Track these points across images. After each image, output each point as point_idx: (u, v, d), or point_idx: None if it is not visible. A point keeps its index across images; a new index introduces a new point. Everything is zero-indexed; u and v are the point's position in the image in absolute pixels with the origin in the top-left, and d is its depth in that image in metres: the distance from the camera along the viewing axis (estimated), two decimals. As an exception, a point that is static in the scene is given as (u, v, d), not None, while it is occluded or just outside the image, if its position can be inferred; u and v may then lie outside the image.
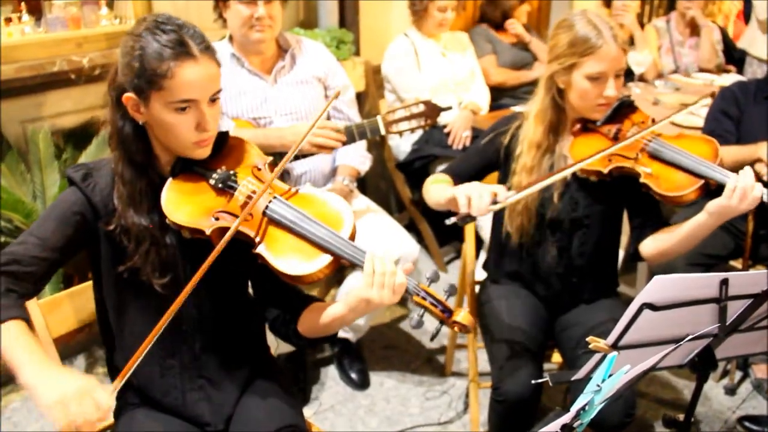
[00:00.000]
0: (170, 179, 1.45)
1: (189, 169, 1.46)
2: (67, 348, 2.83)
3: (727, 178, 1.70)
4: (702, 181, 1.76)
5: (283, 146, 2.33)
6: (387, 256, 1.38)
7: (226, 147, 1.52)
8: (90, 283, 1.64)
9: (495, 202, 1.71)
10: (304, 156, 2.38)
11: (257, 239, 1.40)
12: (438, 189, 1.94)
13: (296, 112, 2.51)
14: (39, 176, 2.72)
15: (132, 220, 1.41)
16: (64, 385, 1.18)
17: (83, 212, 1.42)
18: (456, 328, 1.40)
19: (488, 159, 2.03)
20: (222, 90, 1.42)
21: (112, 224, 1.42)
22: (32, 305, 1.56)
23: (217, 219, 1.41)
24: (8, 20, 2.78)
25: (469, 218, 1.73)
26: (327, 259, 1.38)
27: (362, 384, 2.76)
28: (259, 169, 1.49)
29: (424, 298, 1.39)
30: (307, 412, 2.53)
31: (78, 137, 2.87)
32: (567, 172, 1.81)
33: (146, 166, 1.44)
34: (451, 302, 1.41)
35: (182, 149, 1.43)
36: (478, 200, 1.70)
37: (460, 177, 2.01)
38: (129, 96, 1.37)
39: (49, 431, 2.51)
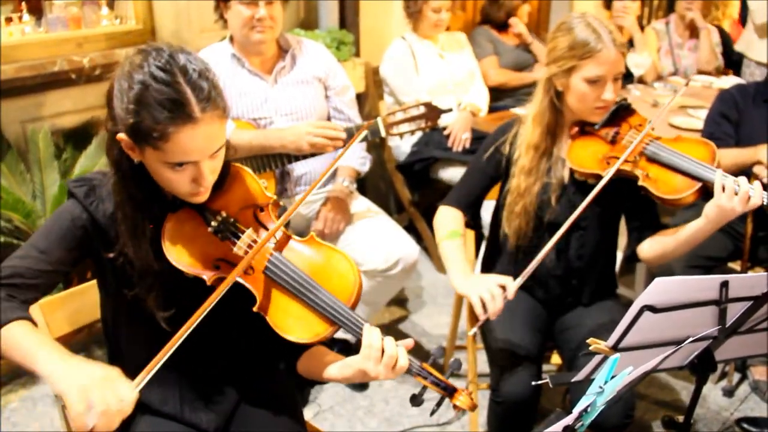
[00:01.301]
0: (170, 214, 1.38)
1: (190, 204, 1.39)
2: (67, 348, 2.82)
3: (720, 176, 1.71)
4: (700, 184, 1.76)
5: (282, 147, 2.34)
6: (390, 340, 1.33)
7: (227, 180, 1.43)
8: (89, 284, 1.64)
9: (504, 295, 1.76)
10: (305, 157, 2.38)
11: (257, 298, 1.35)
12: (449, 253, 1.95)
13: (296, 113, 2.51)
14: (39, 176, 2.72)
15: (135, 254, 1.36)
16: (87, 371, 1.16)
17: (86, 227, 1.38)
18: (455, 410, 1.38)
19: (491, 174, 2.03)
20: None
21: (114, 252, 1.37)
22: (33, 305, 1.55)
23: (218, 268, 1.35)
24: (8, 20, 2.79)
25: (488, 320, 1.76)
26: (329, 330, 1.34)
27: (361, 385, 2.76)
28: (262, 211, 1.42)
29: (425, 378, 1.35)
30: (307, 413, 2.53)
31: (78, 137, 2.88)
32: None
33: (147, 202, 1.37)
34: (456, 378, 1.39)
35: (177, 195, 1.36)
36: (492, 303, 1.73)
37: (467, 205, 2.04)
38: (123, 137, 1.27)
39: (48, 431, 2.50)
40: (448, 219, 2.03)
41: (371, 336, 1.32)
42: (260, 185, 1.44)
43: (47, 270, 1.35)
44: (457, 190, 2.08)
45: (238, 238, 1.37)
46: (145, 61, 1.24)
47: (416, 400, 1.35)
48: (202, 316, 1.27)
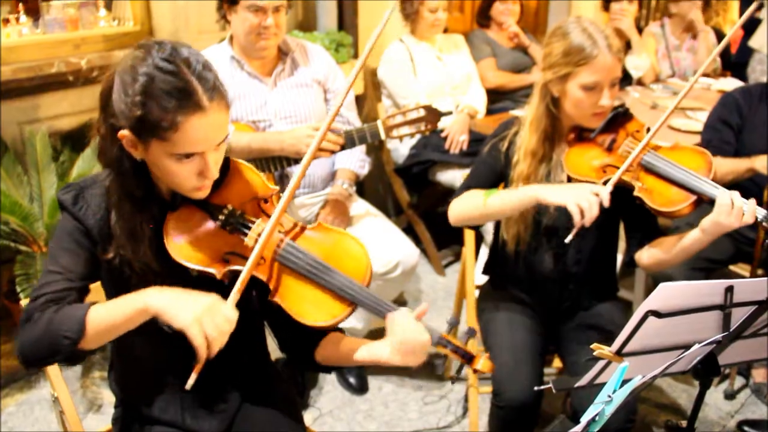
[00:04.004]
0: (170, 213, 1.37)
1: (191, 201, 1.38)
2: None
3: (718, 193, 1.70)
4: (695, 197, 1.75)
5: (282, 150, 2.33)
6: (412, 318, 1.34)
7: (228, 175, 1.42)
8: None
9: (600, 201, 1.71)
10: (304, 159, 2.37)
11: (272, 287, 1.35)
12: (506, 194, 1.84)
13: (295, 116, 2.50)
14: (36, 178, 2.71)
15: (135, 254, 1.33)
16: (194, 304, 1.22)
17: (85, 234, 1.36)
18: (476, 374, 1.40)
19: (495, 166, 1.98)
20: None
21: (110, 253, 1.34)
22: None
23: (228, 261, 1.35)
24: (6, 21, 2.78)
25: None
26: (347, 310, 1.36)
27: (361, 388, 2.75)
28: (266, 202, 1.41)
29: (445, 346, 1.38)
30: (306, 417, 2.51)
31: (75, 139, 2.86)
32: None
33: (146, 200, 1.35)
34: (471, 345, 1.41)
35: (179, 190, 1.34)
36: (590, 210, 1.69)
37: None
38: (125, 134, 1.26)
39: (45, 436, 2.49)
40: (469, 193, 1.94)
41: (404, 329, 1.32)
42: (261, 177, 1.44)
43: (72, 287, 1.33)
44: (467, 182, 2.01)
45: (248, 229, 1.37)
46: (148, 55, 1.23)
47: (441, 371, 1.39)
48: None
